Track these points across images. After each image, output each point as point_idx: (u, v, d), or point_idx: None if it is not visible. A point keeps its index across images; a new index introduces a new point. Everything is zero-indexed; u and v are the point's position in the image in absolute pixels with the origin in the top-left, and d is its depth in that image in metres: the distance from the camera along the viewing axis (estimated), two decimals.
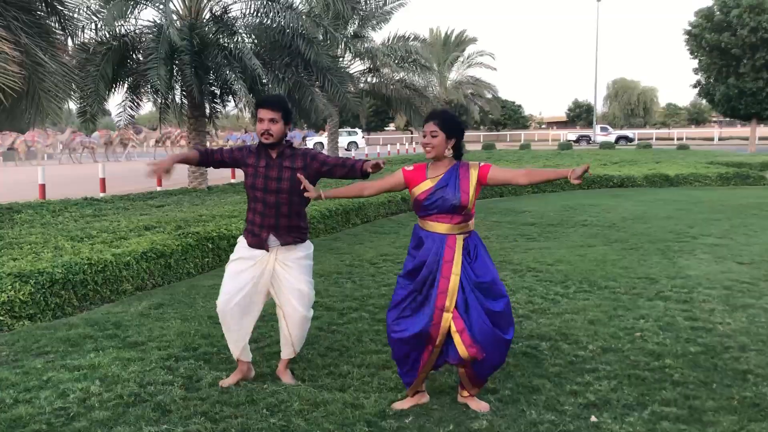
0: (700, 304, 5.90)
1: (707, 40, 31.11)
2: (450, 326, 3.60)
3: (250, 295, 4.10)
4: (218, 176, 18.54)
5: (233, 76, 13.63)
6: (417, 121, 24.04)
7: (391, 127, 66.47)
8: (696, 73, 34.54)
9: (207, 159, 4.27)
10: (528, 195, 15.99)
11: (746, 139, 53.03)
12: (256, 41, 15.02)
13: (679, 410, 3.68)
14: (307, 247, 4.23)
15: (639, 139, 54.53)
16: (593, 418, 3.61)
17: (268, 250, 4.09)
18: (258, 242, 4.09)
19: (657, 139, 57.15)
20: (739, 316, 5.51)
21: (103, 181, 15.33)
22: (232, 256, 4.21)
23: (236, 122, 50.36)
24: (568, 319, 5.49)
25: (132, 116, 15.89)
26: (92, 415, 3.70)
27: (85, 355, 4.67)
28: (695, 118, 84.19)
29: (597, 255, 8.29)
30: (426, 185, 3.70)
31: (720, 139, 56.96)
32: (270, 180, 4.03)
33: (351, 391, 4.03)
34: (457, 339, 3.59)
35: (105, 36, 14.26)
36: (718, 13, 31.18)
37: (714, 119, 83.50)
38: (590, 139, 55.57)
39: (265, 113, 3.98)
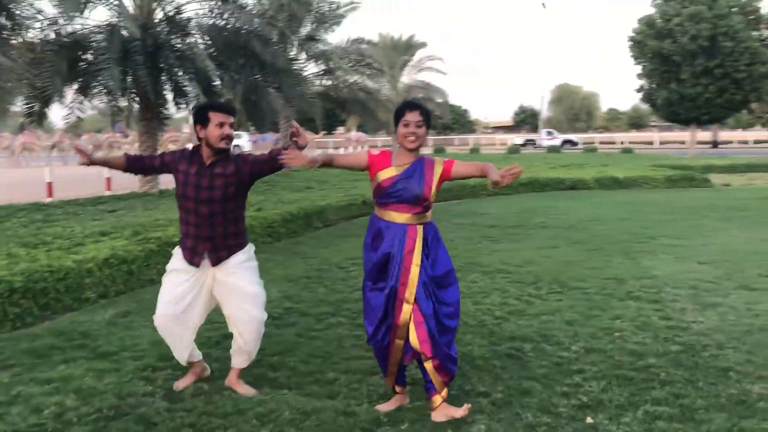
0: (670, 303, 6.01)
1: (650, 46, 32.00)
2: (410, 319, 3.60)
3: (189, 308, 3.94)
4: (169, 179, 18.11)
5: (186, 77, 13.32)
6: (371, 123, 24.07)
7: (340, 130, 66.06)
8: (639, 79, 35.45)
9: (135, 164, 4.06)
10: (485, 198, 16.10)
11: (683, 143, 54.91)
12: (210, 42, 14.70)
13: (671, 409, 3.71)
14: (246, 251, 4.05)
15: (583, 143, 55.78)
16: (589, 420, 3.60)
17: (198, 266, 3.91)
18: (192, 257, 3.91)
19: (600, 143, 58.49)
20: (710, 314, 5.62)
21: (50, 185, 14.79)
22: (168, 267, 4.02)
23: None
24: (546, 320, 5.51)
25: (79, 118, 15.40)
26: (71, 430, 3.51)
27: (55, 367, 4.44)
28: (635, 122, 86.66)
29: (562, 256, 8.38)
30: (390, 172, 3.67)
31: (660, 143, 58.71)
32: (201, 189, 3.85)
33: (341, 398, 3.93)
34: (412, 332, 3.59)
35: (50, 35, 13.78)
36: (659, 20, 32.12)
37: (653, 124, 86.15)
38: (536, 143, 56.55)
39: (225, 117, 3.83)
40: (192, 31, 14.12)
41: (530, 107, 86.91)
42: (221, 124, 3.82)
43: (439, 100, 42.32)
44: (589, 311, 5.76)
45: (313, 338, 5.08)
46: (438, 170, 3.69)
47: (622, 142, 57.55)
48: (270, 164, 3.92)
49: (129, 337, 5.10)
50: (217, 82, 15.14)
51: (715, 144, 51.75)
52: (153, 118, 15.16)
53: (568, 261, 8.04)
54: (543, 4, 57.74)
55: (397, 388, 3.82)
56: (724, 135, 59.45)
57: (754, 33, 31.69)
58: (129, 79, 14.10)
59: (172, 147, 37.99)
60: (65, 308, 5.98)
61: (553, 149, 42.14)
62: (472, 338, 5.02)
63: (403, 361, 3.72)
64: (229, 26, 14.25)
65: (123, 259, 6.87)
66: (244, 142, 44.56)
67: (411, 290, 3.58)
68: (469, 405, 3.74)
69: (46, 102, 13.18)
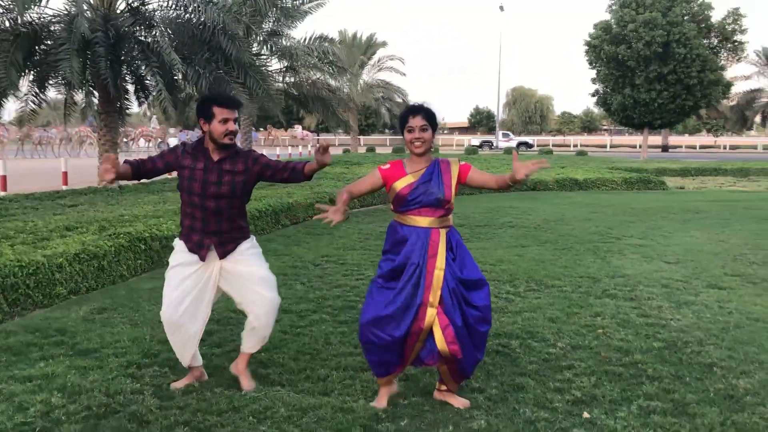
0: (646, 301, 6.13)
1: (605, 51, 32.66)
2: (434, 322, 3.55)
3: (196, 302, 3.84)
4: None
5: (150, 71, 13.04)
6: (334, 121, 23.97)
7: (297, 128, 65.38)
8: (594, 83, 36.15)
9: (139, 170, 3.91)
10: None
11: (634, 146, 56.33)
12: (174, 35, 14.40)
13: (664, 404, 3.77)
14: (250, 239, 4.03)
15: (538, 145, 56.65)
16: (586, 414, 3.64)
17: (205, 260, 3.84)
18: (198, 251, 3.82)
19: (554, 145, 59.48)
20: (685, 312, 5.75)
21: (4, 179, 14.29)
22: (171, 262, 3.91)
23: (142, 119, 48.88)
24: (528, 317, 5.56)
25: (34, 111, 14.96)
26: (61, 429, 3.38)
27: (34, 365, 4.29)
28: (587, 126, 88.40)
29: (534, 255, 8.48)
30: (408, 180, 3.65)
31: (611, 146, 60.05)
32: (209, 184, 3.77)
33: (335, 395, 3.89)
34: (438, 335, 3.55)
35: (4, 23, 13.31)
36: (615, 26, 32.82)
37: (605, 127, 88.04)
38: (492, 145, 57.20)
39: (229, 113, 3.73)
40: (157, 23, 13.78)
41: (486, 109, 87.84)
42: (225, 120, 3.73)
43: (399, 100, 42.33)
44: (569, 309, 5.84)
45: (298, 335, 5.02)
46: (455, 171, 3.70)
47: (575, 145, 58.66)
48: (282, 174, 3.89)
49: (108, 333, 4.95)
50: (179, 76, 14.87)
51: (665, 148, 53.16)
52: (113, 111, 14.79)
53: (540, 260, 8.14)
54: (501, 7, 58.48)
55: (387, 378, 3.76)
56: (673, 140, 61.12)
57: (705, 41, 32.66)
58: (88, 71, 13.75)
59: (143, 141, 37.74)
60: (35, 304, 5.79)
61: (509, 151, 42.65)
62: None
63: (425, 364, 3.69)
64: (194, 20, 13.98)
65: (93, 254, 6.68)
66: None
67: (435, 294, 3.54)
68: (468, 402, 3.76)
69: (2, 93, 12.70)
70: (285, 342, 4.84)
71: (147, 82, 15.02)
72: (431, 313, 3.55)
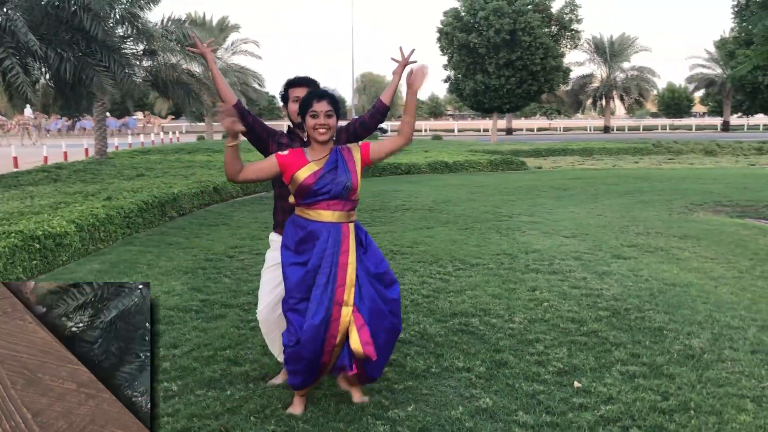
0: (569, 273, 6.46)
1: (458, 38, 33.89)
2: (350, 321, 3.32)
3: None
4: None
5: (5, 52, 11.79)
6: (195, 107, 22.91)
7: (138, 115, 61.91)
8: (446, 69, 37.42)
9: (242, 112, 3.59)
10: None
11: (478, 130, 59.12)
12: (27, 13, 13.07)
13: (639, 368, 4.01)
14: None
15: (391, 131, 57.67)
16: (577, 384, 3.79)
17: None
18: None
19: None
20: (609, 282, 6.13)
21: None
22: (267, 262, 3.77)
23: None
24: (472, 295, 5.67)
25: None
26: None
27: None
28: (433, 111, 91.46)
29: (443, 236, 8.66)
30: (312, 168, 3.36)
31: (458, 130, 62.52)
32: None
33: (327, 387, 3.76)
34: (354, 336, 3.31)
35: None
36: (465, 14, 34.13)
37: (449, 112, 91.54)
38: None
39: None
40: (7, 1, 12.45)
41: (337, 95, 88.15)
42: (297, 99, 3.64)
43: (256, 85, 41.38)
44: (505, 285, 6.02)
45: (254, 329, 4.75)
46: (357, 156, 3.49)
47: (426, 130, 60.47)
48: (369, 122, 3.86)
49: None
50: (30, 59, 13.58)
51: (509, 131, 56.13)
52: None
53: (452, 240, 8.33)
54: None
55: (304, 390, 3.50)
56: (514, 123, 64.71)
57: (546, 30, 34.82)
58: None
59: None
60: None
61: (372, 136, 43.12)
62: (416, 317, 5.05)
63: (339, 371, 3.43)
64: None
65: None
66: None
67: (350, 292, 3.33)
68: (366, 399, 3.62)
69: None
70: (245, 337, 4.61)
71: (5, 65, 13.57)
72: (346, 312, 3.31)
